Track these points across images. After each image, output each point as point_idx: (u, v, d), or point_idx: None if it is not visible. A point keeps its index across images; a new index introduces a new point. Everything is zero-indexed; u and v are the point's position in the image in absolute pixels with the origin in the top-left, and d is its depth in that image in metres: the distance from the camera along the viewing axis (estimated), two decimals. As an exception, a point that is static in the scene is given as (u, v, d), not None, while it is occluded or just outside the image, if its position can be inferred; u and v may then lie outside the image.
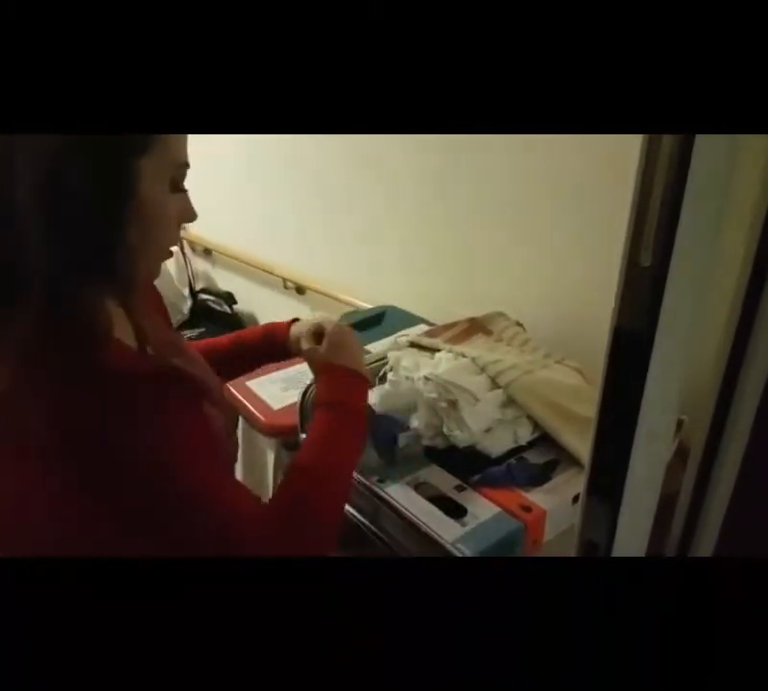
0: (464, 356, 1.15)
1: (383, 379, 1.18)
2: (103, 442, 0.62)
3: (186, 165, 0.69)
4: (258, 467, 1.96)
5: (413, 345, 1.26)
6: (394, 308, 1.65)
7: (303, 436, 0.94)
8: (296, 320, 1.07)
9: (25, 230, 0.59)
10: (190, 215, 0.73)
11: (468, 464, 1.06)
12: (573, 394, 1.12)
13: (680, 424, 0.75)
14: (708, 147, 0.42)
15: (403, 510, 0.99)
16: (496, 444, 1.07)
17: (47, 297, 0.61)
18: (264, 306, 2.37)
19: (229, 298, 2.37)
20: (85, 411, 0.62)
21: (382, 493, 1.02)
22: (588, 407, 1.10)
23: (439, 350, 1.20)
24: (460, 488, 1.02)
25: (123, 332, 0.71)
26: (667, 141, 0.43)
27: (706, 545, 0.71)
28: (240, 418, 1.63)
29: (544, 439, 1.10)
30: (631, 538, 0.64)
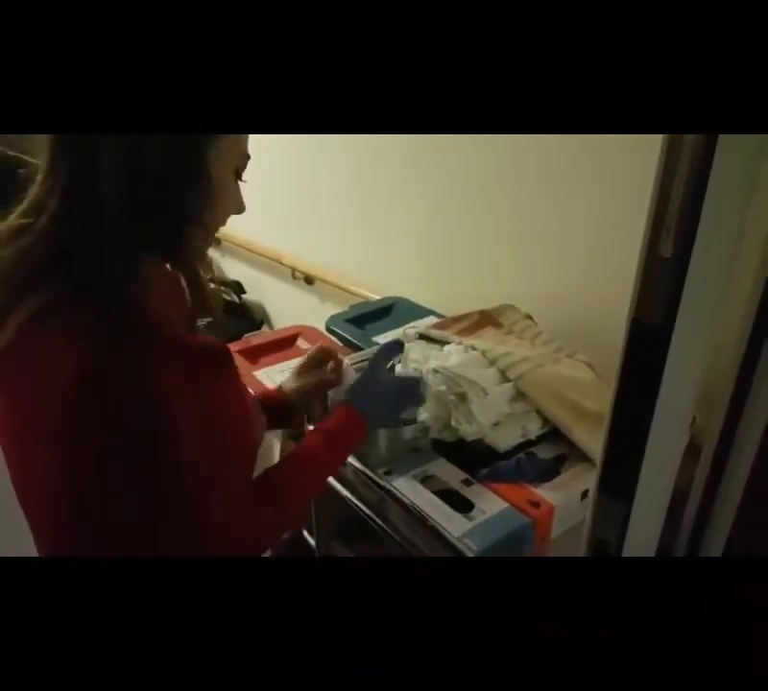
0: (474, 348, 1.14)
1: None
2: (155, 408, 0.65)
3: (248, 156, 0.73)
4: (263, 458, 1.96)
5: (422, 336, 1.25)
6: (403, 299, 1.63)
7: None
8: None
9: (109, 211, 0.64)
10: (240, 206, 0.77)
11: (476, 457, 1.05)
12: (584, 389, 1.10)
13: (692, 421, 0.74)
14: (733, 138, 0.40)
15: (410, 503, 0.98)
16: (505, 438, 1.06)
17: (123, 273, 0.67)
18: (272, 296, 2.36)
19: (238, 288, 2.36)
20: (142, 377, 0.65)
21: (389, 486, 1.02)
22: (599, 402, 1.09)
23: (448, 342, 1.19)
24: (467, 483, 1.01)
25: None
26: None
27: (716, 543, 0.70)
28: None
29: (554, 433, 1.09)
30: (641, 536, 0.63)
